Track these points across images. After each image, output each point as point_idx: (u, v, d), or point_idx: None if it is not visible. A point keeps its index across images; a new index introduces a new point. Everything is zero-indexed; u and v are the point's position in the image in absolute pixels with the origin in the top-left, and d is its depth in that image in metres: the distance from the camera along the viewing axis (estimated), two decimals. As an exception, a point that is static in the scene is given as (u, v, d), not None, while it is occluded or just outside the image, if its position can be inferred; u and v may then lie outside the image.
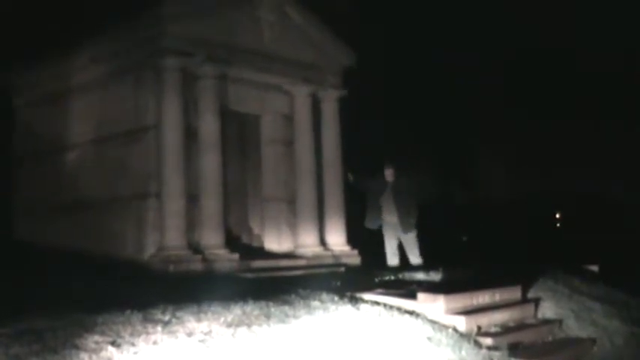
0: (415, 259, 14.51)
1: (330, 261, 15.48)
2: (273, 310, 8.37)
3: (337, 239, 16.18)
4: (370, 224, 14.87)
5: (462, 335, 8.70)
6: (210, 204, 14.02)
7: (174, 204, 13.53)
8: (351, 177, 15.33)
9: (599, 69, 28.27)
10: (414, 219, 14.58)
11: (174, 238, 13.46)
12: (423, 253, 14.60)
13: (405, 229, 14.54)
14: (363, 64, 17.29)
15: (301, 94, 16.05)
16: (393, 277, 12.38)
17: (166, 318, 7.61)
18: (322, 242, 16.01)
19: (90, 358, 6.27)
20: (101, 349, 6.47)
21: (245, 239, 16.86)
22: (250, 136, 17.11)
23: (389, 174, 14.72)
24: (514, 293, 10.78)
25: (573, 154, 29.04)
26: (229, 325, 7.54)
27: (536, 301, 10.77)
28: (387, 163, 14.92)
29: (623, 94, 27.67)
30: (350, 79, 17.07)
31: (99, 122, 15.34)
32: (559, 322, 10.37)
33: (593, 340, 10.05)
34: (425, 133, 27.94)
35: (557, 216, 31.09)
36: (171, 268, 12.91)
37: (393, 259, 14.64)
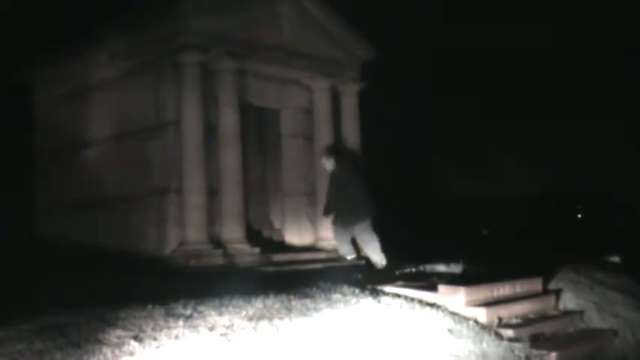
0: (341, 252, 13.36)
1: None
2: (294, 303, 8.39)
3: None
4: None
5: (482, 327, 8.69)
6: (231, 198, 14.07)
7: (194, 199, 13.58)
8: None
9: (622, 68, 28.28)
10: (335, 216, 13.11)
11: (195, 233, 13.52)
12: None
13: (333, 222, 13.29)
14: (383, 58, 17.31)
15: (321, 88, 16.07)
16: (413, 270, 12.39)
17: (188, 312, 7.65)
18: (343, 235, 16.02)
19: (113, 352, 6.32)
20: (124, 344, 6.51)
21: (266, 233, 16.89)
22: (270, 130, 17.16)
23: (323, 162, 13.57)
24: (535, 285, 10.76)
25: (595, 150, 28.96)
26: (251, 319, 7.56)
27: (557, 293, 10.74)
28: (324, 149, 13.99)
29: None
30: (370, 74, 17.08)
31: (119, 118, 15.42)
32: (580, 313, 10.33)
33: (615, 332, 10.01)
34: (445, 129, 27.96)
35: (579, 208, 31.04)
36: (193, 262, 12.96)
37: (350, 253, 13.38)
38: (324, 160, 13.58)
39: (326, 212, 13.44)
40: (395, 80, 23.53)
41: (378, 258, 12.76)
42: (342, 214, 12.95)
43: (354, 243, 14.15)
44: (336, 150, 14.62)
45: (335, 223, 13.19)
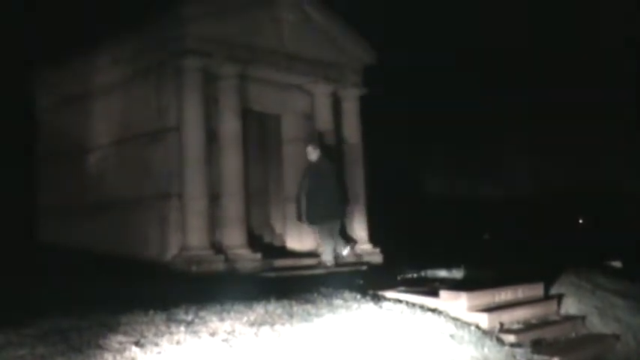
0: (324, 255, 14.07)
1: (352, 259, 15.46)
2: (295, 308, 8.39)
3: (359, 238, 16.16)
4: None
5: (484, 332, 8.71)
6: (232, 204, 14.04)
7: (196, 204, 13.55)
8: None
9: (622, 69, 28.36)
10: (303, 211, 14.00)
11: (196, 239, 13.48)
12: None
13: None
14: (386, 62, 17.30)
15: (322, 93, 16.03)
16: (415, 275, 12.39)
17: (189, 318, 7.65)
18: (345, 241, 16.02)
19: (114, 358, 6.32)
20: (125, 349, 6.51)
21: (267, 239, 16.87)
22: (271, 135, 17.13)
23: (309, 151, 14.25)
24: (536, 290, 10.76)
25: (595, 152, 28.99)
26: (252, 325, 7.57)
27: (559, 298, 10.76)
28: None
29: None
30: (372, 78, 17.05)
31: (121, 123, 15.40)
32: (582, 318, 10.34)
33: (617, 337, 10.02)
34: (448, 131, 27.96)
35: (580, 213, 31.04)
36: (194, 268, 12.93)
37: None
38: (310, 149, 14.19)
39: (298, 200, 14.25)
40: (395, 82, 23.52)
41: (329, 257, 13.89)
42: (313, 208, 13.78)
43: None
44: (324, 144, 14.78)
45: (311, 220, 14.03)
